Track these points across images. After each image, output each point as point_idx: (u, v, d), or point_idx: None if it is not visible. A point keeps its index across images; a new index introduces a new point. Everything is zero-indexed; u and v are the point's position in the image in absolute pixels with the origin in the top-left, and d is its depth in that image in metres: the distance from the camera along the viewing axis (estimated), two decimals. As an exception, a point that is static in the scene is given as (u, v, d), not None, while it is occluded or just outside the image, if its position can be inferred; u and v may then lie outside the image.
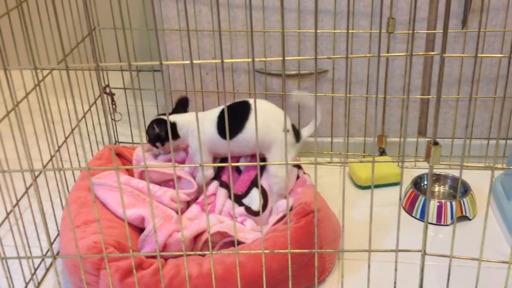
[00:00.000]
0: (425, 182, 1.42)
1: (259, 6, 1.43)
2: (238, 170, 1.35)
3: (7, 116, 1.01)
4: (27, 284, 1.17)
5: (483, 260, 0.87)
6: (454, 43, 1.42)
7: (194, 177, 1.34)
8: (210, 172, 1.33)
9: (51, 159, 1.28)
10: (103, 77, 1.60)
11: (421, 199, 1.34)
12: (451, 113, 1.50)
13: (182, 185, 1.34)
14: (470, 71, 1.43)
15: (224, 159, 1.35)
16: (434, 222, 1.32)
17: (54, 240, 1.29)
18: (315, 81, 0.71)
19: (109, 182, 1.26)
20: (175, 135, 1.31)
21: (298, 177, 1.34)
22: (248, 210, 1.27)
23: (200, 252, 1.13)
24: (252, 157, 1.33)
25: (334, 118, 1.53)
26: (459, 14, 1.38)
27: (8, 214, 1.11)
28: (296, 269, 1.11)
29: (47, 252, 1.25)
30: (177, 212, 1.27)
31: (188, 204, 1.33)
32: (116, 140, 1.67)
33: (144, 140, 1.36)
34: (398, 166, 1.48)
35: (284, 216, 1.19)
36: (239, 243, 1.15)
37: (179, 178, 1.33)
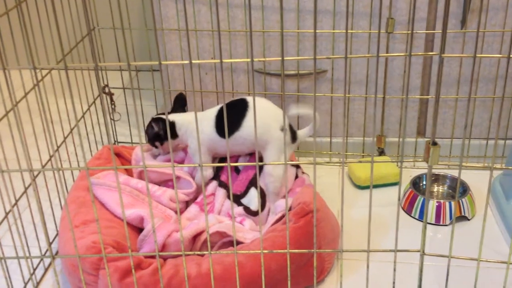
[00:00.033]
0: (424, 182, 1.42)
1: (258, 6, 1.43)
2: (236, 169, 1.35)
3: (6, 116, 1.01)
4: (26, 284, 1.17)
5: (482, 260, 0.87)
6: (453, 43, 1.42)
7: (193, 177, 1.34)
8: (209, 172, 1.33)
9: (50, 159, 1.28)
10: (102, 77, 1.60)
11: (420, 199, 1.34)
12: (450, 113, 1.50)
13: (181, 185, 1.34)
14: (469, 71, 1.43)
15: (223, 159, 1.35)
16: (433, 222, 1.32)
17: (53, 240, 1.29)
18: (314, 81, 0.71)
19: (108, 182, 1.26)
20: (174, 134, 1.31)
21: (296, 176, 1.34)
22: (247, 210, 1.27)
23: (199, 252, 1.13)
24: (251, 156, 1.33)
25: (333, 118, 1.53)
26: (458, 14, 1.38)
27: (7, 214, 1.11)
28: (295, 269, 1.11)
29: (46, 252, 1.25)
30: (176, 212, 1.27)
31: (187, 204, 1.33)
32: (115, 140, 1.67)
33: (143, 140, 1.36)
34: (397, 166, 1.48)
35: (283, 216, 1.19)
36: (238, 243, 1.15)
37: (178, 178, 1.33)
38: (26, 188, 1.18)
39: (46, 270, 1.23)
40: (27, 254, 1.18)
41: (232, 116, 1.24)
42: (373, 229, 1.29)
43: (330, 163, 1.09)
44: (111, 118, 1.62)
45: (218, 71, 1.52)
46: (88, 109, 1.50)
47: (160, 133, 1.32)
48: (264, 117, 1.23)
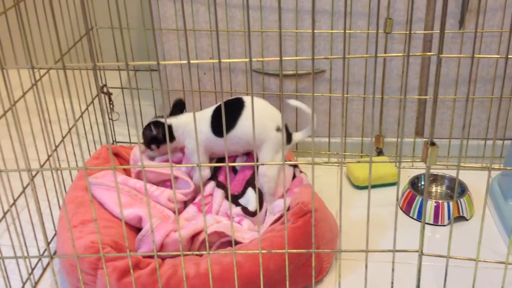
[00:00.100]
0: (422, 183, 1.42)
1: (256, 6, 1.43)
2: (234, 170, 1.35)
3: (4, 116, 1.01)
4: (24, 284, 1.17)
5: (480, 261, 0.87)
6: (451, 43, 1.42)
7: (191, 178, 1.34)
8: (206, 173, 1.33)
9: (48, 159, 1.28)
10: (101, 77, 1.60)
11: (418, 199, 1.34)
12: (448, 113, 1.50)
13: (179, 185, 1.34)
14: (467, 72, 1.43)
15: (221, 159, 1.35)
16: (431, 222, 1.32)
17: (51, 240, 1.29)
18: (312, 81, 0.71)
19: (106, 182, 1.26)
20: (171, 137, 1.31)
21: (294, 176, 1.34)
22: (245, 210, 1.27)
23: (197, 252, 1.13)
24: (248, 156, 1.33)
25: (332, 118, 1.53)
26: (456, 15, 1.38)
27: (5, 213, 1.11)
28: (294, 269, 1.11)
29: (44, 252, 1.25)
30: (174, 212, 1.27)
31: (185, 204, 1.33)
32: (114, 139, 1.67)
33: (142, 140, 1.36)
34: (396, 166, 1.48)
35: (281, 216, 1.19)
36: (236, 243, 1.15)
37: (176, 178, 1.33)
38: (24, 188, 1.18)
39: (44, 270, 1.23)
40: (25, 254, 1.18)
41: (227, 115, 1.25)
42: (371, 229, 1.29)
43: (329, 163, 1.09)
44: (109, 118, 1.61)
45: (216, 71, 1.52)
46: (87, 109, 1.50)
47: (157, 137, 1.32)
48: (261, 117, 1.23)
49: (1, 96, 0.91)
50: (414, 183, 1.41)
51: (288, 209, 1.17)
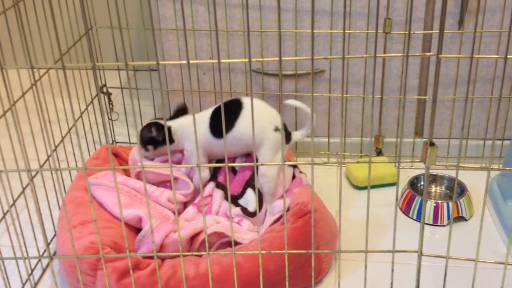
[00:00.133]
0: (422, 183, 1.42)
1: (256, 6, 1.43)
2: (233, 170, 1.35)
3: (4, 116, 1.01)
4: (24, 284, 1.16)
5: (479, 261, 0.87)
6: (450, 43, 1.42)
7: (190, 179, 1.34)
8: (206, 174, 1.33)
9: (48, 159, 1.28)
10: (100, 77, 1.60)
11: (417, 199, 1.34)
12: (448, 113, 1.50)
13: (179, 186, 1.33)
14: (467, 72, 1.43)
15: (221, 160, 1.35)
16: (431, 222, 1.32)
17: (51, 240, 1.29)
18: (312, 81, 0.71)
19: (106, 182, 1.26)
20: (171, 140, 1.31)
21: (294, 176, 1.34)
22: (244, 211, 1.27)
23: (197, 253, 1.13)
24: (247, 157, 1.33)
25: (331, 118, 1.53)
26: (456, 15, 1.38)
27: (4, 214, 1.10)
28: (293, 269, 1.11)
29: (44, 253, 1.25)
30: (174, 213, 1.27)
31: (185, 205, 1.33)
32: (113, 139, 1.67)
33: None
34: (395, 166, 1.48)
35: (281, 217, 1.19)
36: (236, 243, 1.15)
37: (176, 179, 1.33)
38: (24, 188, 1.18)
39: (44, 270, 1.23)
40: (25, 255, 1.18)
41: (225, 116, 1.25)
42: (371, 230, 1.29)
43: (328, 163, 1.09)
44: (109, 118, 1.61)
45: (216, 71, 1.52)
46: (86, 109, 1.50)
47: (156, 138, 1.31)
48: (259, 118, 1.23)
49: (0, 96, 0.91)
50: (413, 183, 1.41)
51: (288, 210, 1.17)
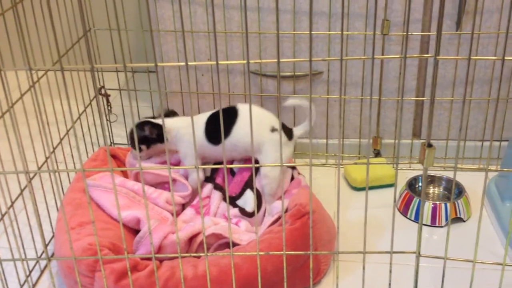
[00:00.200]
0: (420, 184, 1.42)
1: (254, 7, 1.43)
2: (231, 171, 1.35)
3: (2, 117, 1.01)
4: (21, 286, 1.16)
5: (477, 262, 0.87)
6: (448, 45, 1.42)
7: (187, 180, 1.34)
8: (200, 175, 1.33)
9: (46, 161, 1.28)
10: (98, 78, 1.60)
11: (415, 200, 1.34)
12: (445, 115, 1.50)
13: (177, 188, 1.33)
14: (464, 73, 1.43)
15: (219, 162, 1.35)
16: (429, 223, 1.32)
17: (49, 242, 1.29)
18: (310, 82, 0.71)
19: (104, 184, 1.26)
20: (163, 139, 1.30)
21: (292, 178, 1.34)
22: (242, 211, 1.27)
23: (195, 254, 1.13)
24: (246, 158, 1.33)
25: (329, 119, 1.54)
26: (453, 16, 1.38)
27: (2, 216, 1.10)
28: (291, 270, 1.11)
29: (41, 254, 1.25)
30: (172, 214, 1.27)
31: (183, 206, 1.33)
32: (111, 141, 1.67)
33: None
34: (393, 167, 1.48)
35: (279, 218, 1.19)
36: (234, 244, 1.16)
37: (174, 180, 1.33)
38: (22, 190, 1.18)
39: (42, 272, 1.23)
40: (23, 256, 1.17)
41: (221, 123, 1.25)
42: (369, 231, 1.29)
43: (326, 164, 1.09)
44: (107, 120, 1.61)
45: (214, 72, 1.52)
46: (84, 110, 1.50)
47: (149, 137, 1.30)
48: (254, 123, 1.23)
49: (-2, 98, 0.91)
50: (411, 184, 1.41)
51: (286, 211, 1.17)
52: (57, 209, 1.31)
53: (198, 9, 1.45)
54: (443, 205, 1.31)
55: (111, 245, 1.08)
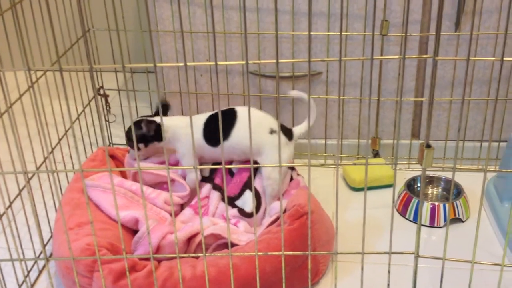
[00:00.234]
0: (418, 184, 1.42)
1: (253, 8, 1.43)
2: (230, 172, 1.35)
3: (1, 118, 1.01)
4: (20, 286, 1.16)
5: (476, 263, 0.88)
6: (447, 45, 1.42)
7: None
8: (198, 175, 1.33)
9: (44, 161, 1.28)
10: (97, 79, 1.60)
11: (414, 201, 1.34)
12: (444, 115, 1.50)
13: (176, 188, 1.33)
14: (463, 74, 1.44)
15: (217, 162, 1.35)
16: (427, 224, 1.32)
17: (47, 242, 1.29)
18: (309, 83, 0.71)
19: (102, 184, 1.26)
20: (161, 137, 1.29)
21: (291, 178, 1.34)
22: (241, 212, 1.27)
23: (193, 254, 1.13)
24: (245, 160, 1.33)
25: (328, 120, 1.54)
26: (452, 17, 1.38)
27: (1, 216, 1.10)
28: (290, 271, 1.11)
29: (40, 254, 1.25)
30: (170, 215, 1.27)
31: (182, 207, 1.32)
32: (110, 141, 1.67)
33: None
34: (392, 168, 1.48)
35: (278, 218, 1.19)
36: (233, 245, 1.16)
37: (172, 181, 1.33)
38: (20, 190, 1.18)
39: (40, 272, 1.23)
40: (21, 256, 1.17)
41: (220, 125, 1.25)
42: (367, 231, 1.29)
43: (325, 165, 1.10)
44: (106, 120, 1.61)
45: (213, 73, 1.52)
46: (83, 110, 1.49)
47: (147, 135, 1.29)
48: (252, 126, 1.23)
49: (-3, 98, 0.91)
50: (410, 185, 1.41)
51: (285, 211, 1.17)
52: (56, 209, 1.30)
53: (197, 9, 1.45)
54: (441, 205, 1.31)
55: (109, 245, 1.08)
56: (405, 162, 1.55)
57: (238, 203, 1.29)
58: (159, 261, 1.11)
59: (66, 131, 1.38)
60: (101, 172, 1.32)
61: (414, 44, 1.43)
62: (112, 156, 1.41)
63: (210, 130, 1.28)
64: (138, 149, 1.32)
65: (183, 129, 1.29)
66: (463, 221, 1.33)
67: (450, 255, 0.89)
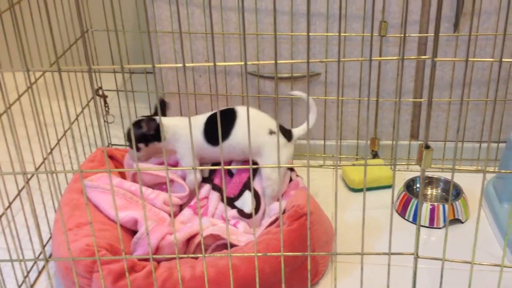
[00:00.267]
0: (418, 185, 1.42)
1: (251, 9, 1.43)
2: (230, 173, 1.35)
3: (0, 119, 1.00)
4: (19, 286, 1.16)
5: (475, 263, 0.88)
6: (446, 46, 1.42)
7: (185, 181, 1.34)
8: (197, 175, 1.33)
9: (43, 162, 1.28)
10: (96, 79, 1.60)
11: (413, 202, 1.34)
12: (443, 116, 1.50)
13: (175, 189, 1.33)
14: (462, 75, 1.44)
15: (216, 163, 1.35)
16: (427, 225, 1.32)
17: (47, 242, 1.29)
18: (308, 84, 0.71)
19: (101, 185, 1.26)
20: (161, 137, 1.29)
21: (290, 179, 1.34)
22: (241, 212, 1.27)
23: (193, 255, 1.13)
24: (245, 160, 1.33)
25: (327, 120, 1.54)
26: (451, 18, 1.38)
27: (0, 216, 1.10)
28: (289, 272, 1.11)
29: (39, 255, 1.24)
30: (170, 215, 1.27)
31: (181, 207, 1.32)
32: (109, 142, 1.67)
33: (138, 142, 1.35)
34: (391, 169, 1.48)
35: (277, 219, 1.19)
36: (232, 246, 1.15)
37: (171, 181, 1.33)
38: (19, 191, 1.18)
39: (39, 273, 1.23)
40: (21, 257, 1.17)
41: (221, 125, 1.25)
42: (367, 232, 1.29)
43: (324, 166, 1.10)
44: (104, 121, 1.61)
45: (212, 73, 1.52)
46: (82, 111, 1.49)
47: (147, 134, 1.29)
48: (252, 126, 1.23)
49: (-4, 99, 0.91)
50: (409, 185, 1.41)
51: (284, 212, 1.17)
52: (55, 210, 1.30)
53: (196, 10, 1.45)
54: (441, 206, 1.31)
55: (108, 246, 1.08)
56: (404, 163, 1.55)
57: (238, 203, 1.29)
58: (159, 261, 1.11)
59: (65, 132, 1.38)
60: (100, 172, 1.31)
61: (413, 45, 1.43)
62: (111, 157, 1.41)
63: (211, 129, 1.28)
64: (139, 149, 1.32)
65: (183, 129, 1.29)
66: (462, 222, 1.33)
67: (450, 256, 0.89)
